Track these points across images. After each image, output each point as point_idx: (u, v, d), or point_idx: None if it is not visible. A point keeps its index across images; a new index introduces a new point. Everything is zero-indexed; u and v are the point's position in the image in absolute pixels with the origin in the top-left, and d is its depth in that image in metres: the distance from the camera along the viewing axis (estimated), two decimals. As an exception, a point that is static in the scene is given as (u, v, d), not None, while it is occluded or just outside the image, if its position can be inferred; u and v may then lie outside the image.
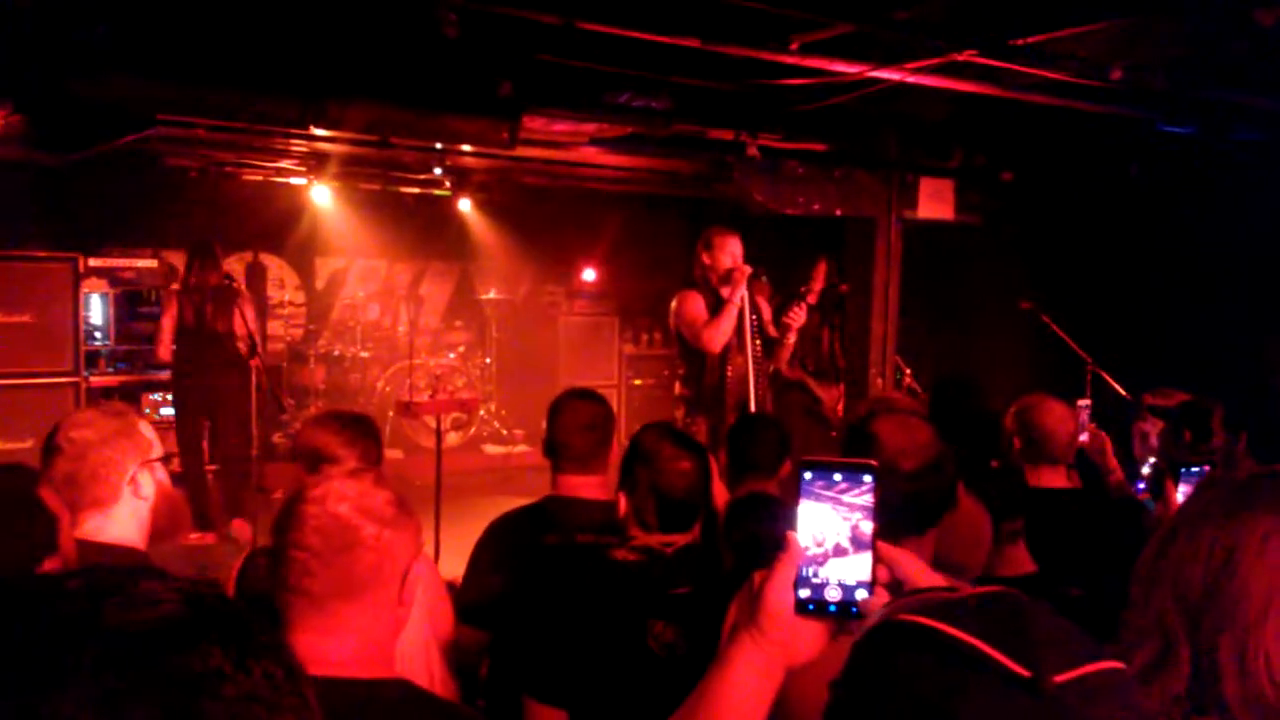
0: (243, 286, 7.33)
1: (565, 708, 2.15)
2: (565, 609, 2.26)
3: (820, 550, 1.08)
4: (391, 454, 8.56)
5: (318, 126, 4.87)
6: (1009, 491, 2.66)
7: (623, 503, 2.43)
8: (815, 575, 1.08)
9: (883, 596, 1.07)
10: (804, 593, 1.08)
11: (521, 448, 9.57)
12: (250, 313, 6.98)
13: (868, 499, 1.08)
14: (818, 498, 1.08)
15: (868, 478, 1.08)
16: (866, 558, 1.07)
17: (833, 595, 1.08)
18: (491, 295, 10.35)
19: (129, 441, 2.25)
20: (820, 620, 1.09)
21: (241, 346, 6.74)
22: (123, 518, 2.24)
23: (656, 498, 2.35)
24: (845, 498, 1.07)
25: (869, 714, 0.86)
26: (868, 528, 1.08)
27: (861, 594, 1.07)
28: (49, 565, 1.86)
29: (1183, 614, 1.25)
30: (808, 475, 1.09)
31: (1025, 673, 0.81)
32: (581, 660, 2.17)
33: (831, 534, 1.08)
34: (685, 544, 2.33)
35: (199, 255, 7.00)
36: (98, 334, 8.24)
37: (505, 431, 9.88)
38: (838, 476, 1.08)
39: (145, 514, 2.28)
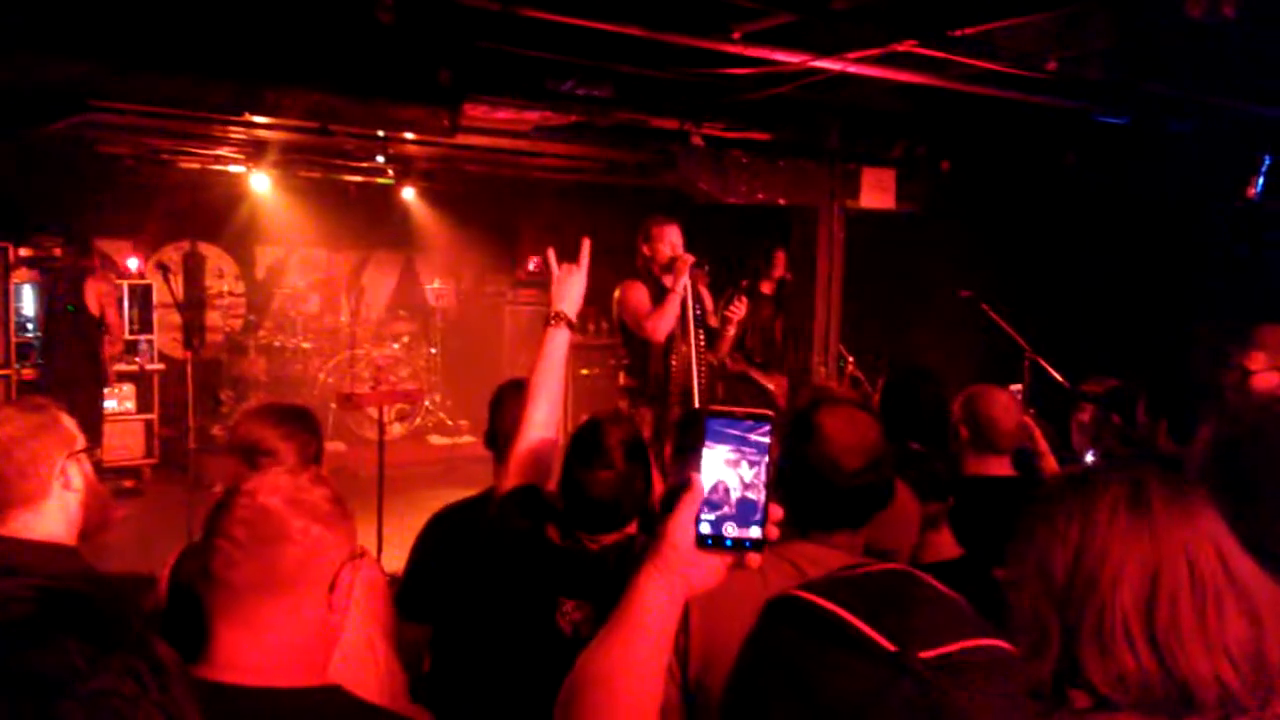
0: (96, 264, 7.30)
1: (460, 655, 2.28)
2: (481, 567, 2.33)
3: (720, 491, 1.18)
4: (334, 446, 8.46)
5: (253, 113, 4.79)
6: (930, 476, 2.66)
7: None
8: (715, 513, 1.18)
9: (774, 534, 1.18)
10: (704, 529, 1.18)
11: (467, 438, 9.50)
12: (104, 288, 6.92)
13: (764, 444, 1.18)
14: (719, 442, 1.18)
15: (764, 426, 1.18)
16: (760, 498, 1.18)
17: (730, 531, 1.18)
18: (436, 285, 10.26)
19: (54, 434, 2.18)
20: (719, 553, 1.18)
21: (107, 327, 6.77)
22: (52, 513, 2.18)
23: (578, 501, 2.34)
24: (745, 443, 1.18)
25: (754, 681, 0.92)
26: (763, 470, 1.18)
27: (755, 531, 1.18)
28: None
29: (1050, 600, 1.27)
30: (711, 423, 1.19)
31: (891, 648, 0.84)
32: (484, 619, 2.24)
33: (731, 476, 1.18)
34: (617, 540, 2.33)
35: (67, 238, 7.02)
36: (29, 325, 8.03)
37: (451, 422, 9.82)
38: (737, 425, 1.18)
39: (75, 507, 2.22)
